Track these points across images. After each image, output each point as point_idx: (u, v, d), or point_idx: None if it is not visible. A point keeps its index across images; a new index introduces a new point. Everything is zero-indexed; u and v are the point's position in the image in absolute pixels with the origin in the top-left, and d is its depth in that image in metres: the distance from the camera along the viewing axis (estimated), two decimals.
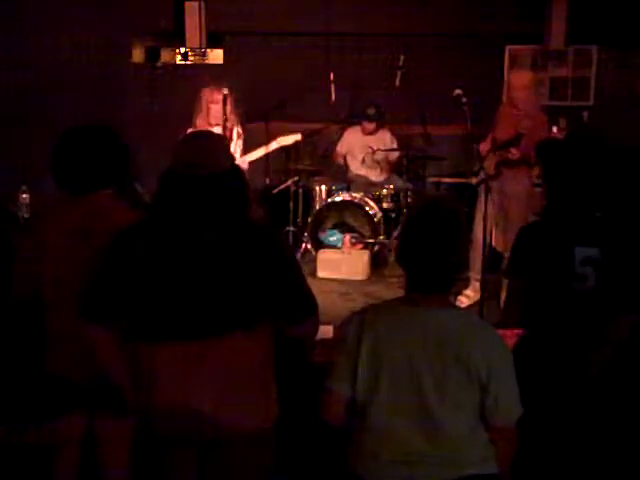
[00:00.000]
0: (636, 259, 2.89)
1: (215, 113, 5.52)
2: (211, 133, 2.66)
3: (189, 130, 5.55)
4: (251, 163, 5.75)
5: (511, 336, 2.86)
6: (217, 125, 5.55)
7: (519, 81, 5.24)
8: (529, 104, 5.21)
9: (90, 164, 2.80)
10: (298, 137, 5.92)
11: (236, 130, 5.64)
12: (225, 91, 5.51)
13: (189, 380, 2.30)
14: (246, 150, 5.75)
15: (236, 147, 5.64)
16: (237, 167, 2.44)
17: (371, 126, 6.89)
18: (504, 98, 5.20)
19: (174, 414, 2.30)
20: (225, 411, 2.30)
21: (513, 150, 5.06)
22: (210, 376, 2.30)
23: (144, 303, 2.31)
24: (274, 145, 5.83)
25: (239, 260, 2.29)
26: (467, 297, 5.53)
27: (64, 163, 2.81)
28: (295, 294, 2.39)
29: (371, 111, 6.85)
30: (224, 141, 2.51)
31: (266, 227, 2.47)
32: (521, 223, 5.03)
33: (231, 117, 5.55)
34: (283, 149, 7.02)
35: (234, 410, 2.31)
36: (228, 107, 5.51)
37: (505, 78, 7.36)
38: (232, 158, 2.47)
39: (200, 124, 5.55)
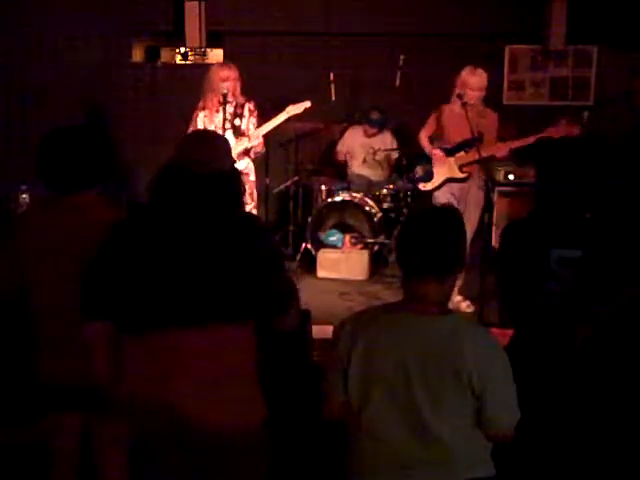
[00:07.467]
0: (614, 264, 2.85)
1: (225, 89, 5.42)
2: (215, 134, 2.67)
3: (198, 107, 5.49)
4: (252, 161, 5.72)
5: (507, 335, 2.85)
6: (228, 102, 5.48)
7: (480, 83, 5.22)
8: (480, 102, 5.28)
9: (74, 163, 2.77)
10: (308, 104, 5.70)
11: (247, 107, 5.55)
12: (233, 68, 5.47)
13: (170, 373, 2.28)
14: (259, 126, 5.59)
15: (249, 124, 5.55)
16: (236, 170, 2.46)
17: (373, 130, 6.89)
18: (464, 96, 5.11)
19: (156, 410, 2.28)
20: (209, 408, 2.28)
21: (501, 145, 5.14)
22: (191, 370, 2.29)
23: (129, 295, 2.31)
24: (284, 115, 5.63)
25: (223, 253, 2.30)
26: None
27: (48, 163, 2.79)
28: (277, 287, 2.40)
29: (374, 116, 6.83)
30: (227, 143, 2.52)
31: (251, 222, 2.48)
32: (476, 223, 5.15)
33: (241, 94, 5.50)
34: (283, 148, 7.05)
35: (218, 406, 2.29)
36: (238, 84, 5.47)
37: (505, 78, 7.39)
38: (233, 160, 2.48)
39: (211, 102, 5.47)
